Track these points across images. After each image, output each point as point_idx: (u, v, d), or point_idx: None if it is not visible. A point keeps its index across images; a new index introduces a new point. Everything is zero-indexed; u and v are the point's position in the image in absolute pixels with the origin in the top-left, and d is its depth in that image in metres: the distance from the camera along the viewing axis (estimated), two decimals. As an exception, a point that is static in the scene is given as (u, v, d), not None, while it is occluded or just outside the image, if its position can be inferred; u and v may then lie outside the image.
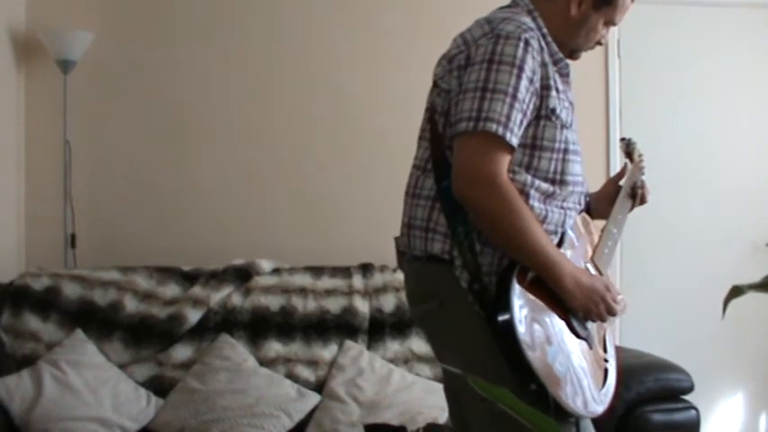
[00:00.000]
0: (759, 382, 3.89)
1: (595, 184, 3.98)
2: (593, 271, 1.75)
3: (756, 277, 1.09)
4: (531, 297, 1.58)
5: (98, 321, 2.96)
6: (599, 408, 1.65)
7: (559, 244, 1.69)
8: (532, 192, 1.63)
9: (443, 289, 1.65)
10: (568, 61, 1.77)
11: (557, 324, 1.61)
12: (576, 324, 1.65)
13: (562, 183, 1.68)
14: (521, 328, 1.51)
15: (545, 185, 1.66)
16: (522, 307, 1.55)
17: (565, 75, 1.75)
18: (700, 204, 3.86)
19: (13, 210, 3.37)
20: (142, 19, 3.53)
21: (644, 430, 2.51)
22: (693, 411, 2.58)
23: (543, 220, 1.64)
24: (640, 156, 2.13)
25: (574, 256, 1.71)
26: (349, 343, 3.05)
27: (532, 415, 0.82)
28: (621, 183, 2.00)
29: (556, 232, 1.68)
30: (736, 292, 0.97)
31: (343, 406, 2.81)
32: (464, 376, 0.88)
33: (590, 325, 1.69)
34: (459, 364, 1.71)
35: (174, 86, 3.54)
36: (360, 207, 3.55)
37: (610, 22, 1.77)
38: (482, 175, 1.55)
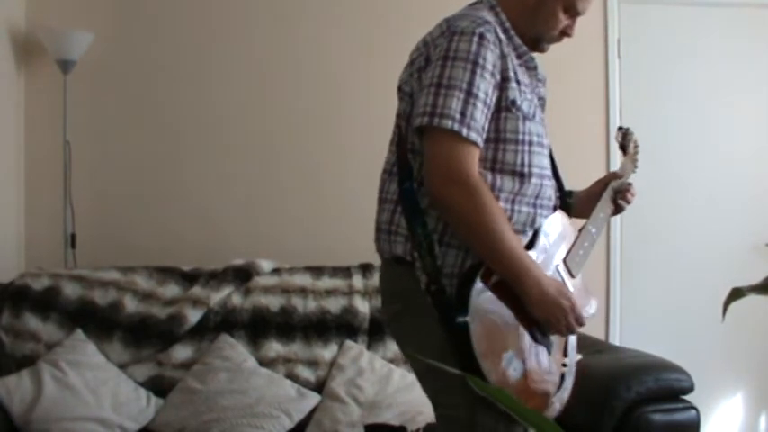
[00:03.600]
0: (759, 382, 3.89)
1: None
2: (564, 273, 1.73)
3: (756, 278, 1.09)
4: (495, 298, 1.57)
5: (98, 321, 2.96)
6: (550, 415, 1.63)
7: (531, 244, 1.67)
8: (495, 192, 1.62)
9: (406, 290, 1.64)
10: (536, 54, 1.76)
11: (516, 328, 1.60)
12: (536, 330, 1.63)
13: (529, 175, 1.66)
14: (475, 332, 1.50)
15: (509, 184, 1.64)
16: (481, 308, 1.53)
17: (532, 68, 1.74)
18: (700, 205, 3.86)
19: (13, 210, 3.37)
20: (142, 19, 3.53)
21: (644, 430, 2.50)
22: (693, 411, 2.57)
23: (509, 220, 1.62)
24: (636, 147, 2.08)
25: (545, 258, 1.69)
26: (349, 343, 3.05)
27: (532, 415, 0.82)
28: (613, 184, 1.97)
29: (524, 232, 1.67)
30: (736, 293, 0.97)
31: (343, 406, 2.81)
32: (464, 376, 0.88)
33: (550, 331, 1.66)
34: (420, 366, 1.72)
35: (173, 87, 3.54)
36: (360, 207, 3.53)
37: (572, 10, 1.72)
38: (455, 174, 1.55)
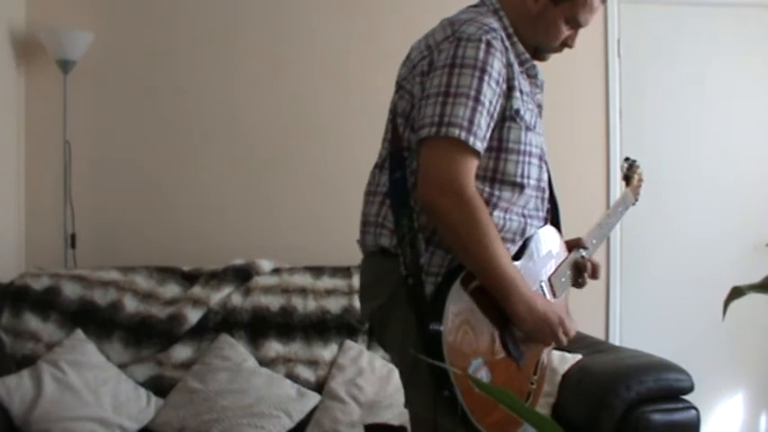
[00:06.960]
0: (759, 382, 3.89)
1: (595, 183, 3.96)
2: (547, 291, 1.71)
3: (756, 277, 1.09)
4: (471, 303, 1.55)
5: (98, 321, 2.96)
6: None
7: (519, 254, 1.65)
8: (493, 200, 1.61)
9: (392, 281, 1.62)
10: (537, 63, 1.74)
11: (490, 336, 1.58)
12: (509, 342, 1.61)
13: (527, 186, 1.65)
14: (447, 335, 1.49)
15: (507, 194, 1.63)
16: (456, 312, 1.52)
17: (533, 76, 1.72)
18: (700, 204, 3.86)
19: (13, 210, 3.37)
20: (142, 19, 3.53)
21: (644, 430, 2.50)
22: (693, 411, 2.57)
23: (501, 229, 1.60)
24: (640, 180, 2.07)
25: (532, 271, 1.67)
26: (349, 343, 3.05)
27: (531, 414, 0.82)
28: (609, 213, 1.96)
29: (513, 240, 1.65)
30: (736, 293, 0.97)
31: (343, 406, 2.81)
32: (471, 378, 0.88)
33: (524, 345, 1.64)
34: (397, 359, 1.71)
35: (173, 86, 3.54)
36: (360, 207, 3.55)
37: (573, 21, 1.72)
38: (450, 185, 1.52)
